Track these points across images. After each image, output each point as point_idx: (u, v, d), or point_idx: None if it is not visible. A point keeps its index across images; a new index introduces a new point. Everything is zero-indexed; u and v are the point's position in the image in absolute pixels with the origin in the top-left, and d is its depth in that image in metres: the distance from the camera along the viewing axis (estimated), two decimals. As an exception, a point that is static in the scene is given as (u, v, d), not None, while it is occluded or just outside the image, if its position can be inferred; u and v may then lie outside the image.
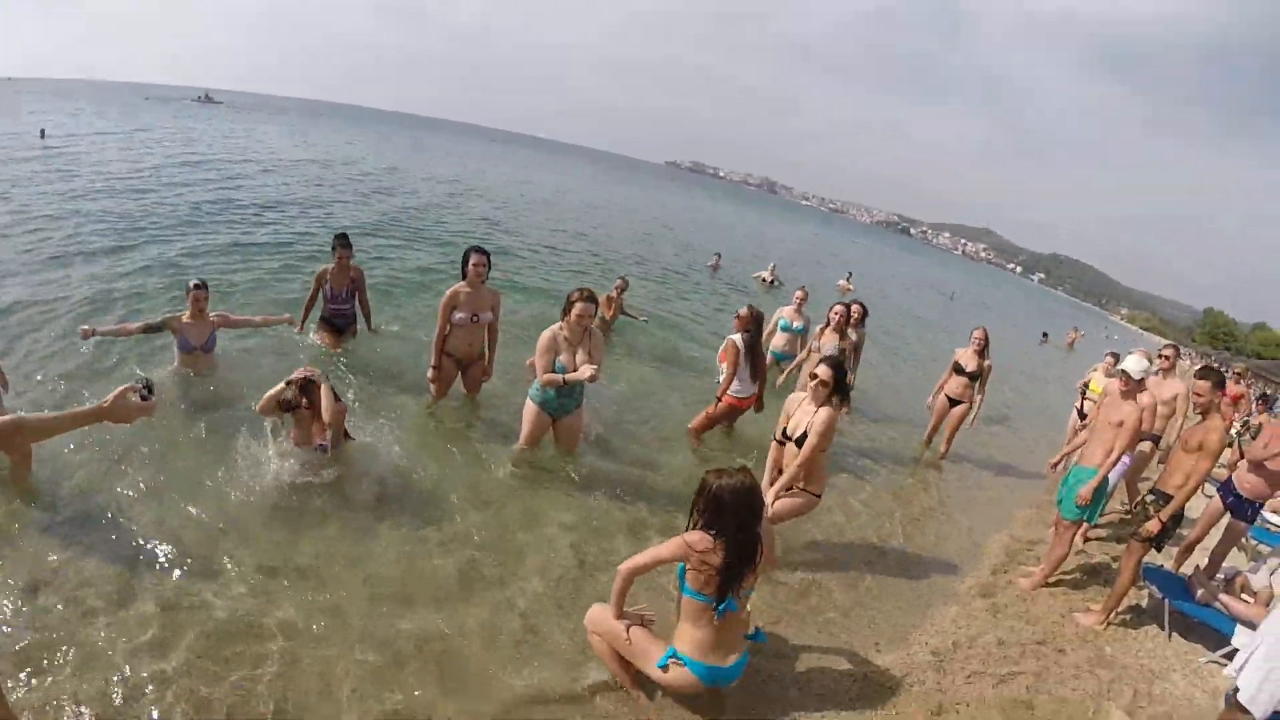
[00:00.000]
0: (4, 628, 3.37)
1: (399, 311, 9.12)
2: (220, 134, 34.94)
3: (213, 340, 6.21)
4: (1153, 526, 4.75)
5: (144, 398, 2.50)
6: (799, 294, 9.15)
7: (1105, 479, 5.11)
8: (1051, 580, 5.51)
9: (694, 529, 3.31)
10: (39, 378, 5.80)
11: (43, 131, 26.00)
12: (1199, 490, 4.79)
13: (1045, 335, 28.31)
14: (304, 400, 4.99)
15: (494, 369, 6.62)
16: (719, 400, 6.73)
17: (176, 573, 3.88)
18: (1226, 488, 5.91)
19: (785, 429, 4.92)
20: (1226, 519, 5.91)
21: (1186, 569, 5.82)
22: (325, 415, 4.97)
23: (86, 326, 5.68)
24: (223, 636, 3.49)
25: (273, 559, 4.15)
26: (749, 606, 3.55)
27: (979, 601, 5.14)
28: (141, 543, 4.08)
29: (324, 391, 4.97)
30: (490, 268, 6.22)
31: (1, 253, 9.11)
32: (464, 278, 6.15)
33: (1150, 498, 4.97)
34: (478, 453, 5.84)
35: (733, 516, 3.21)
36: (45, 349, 6.35)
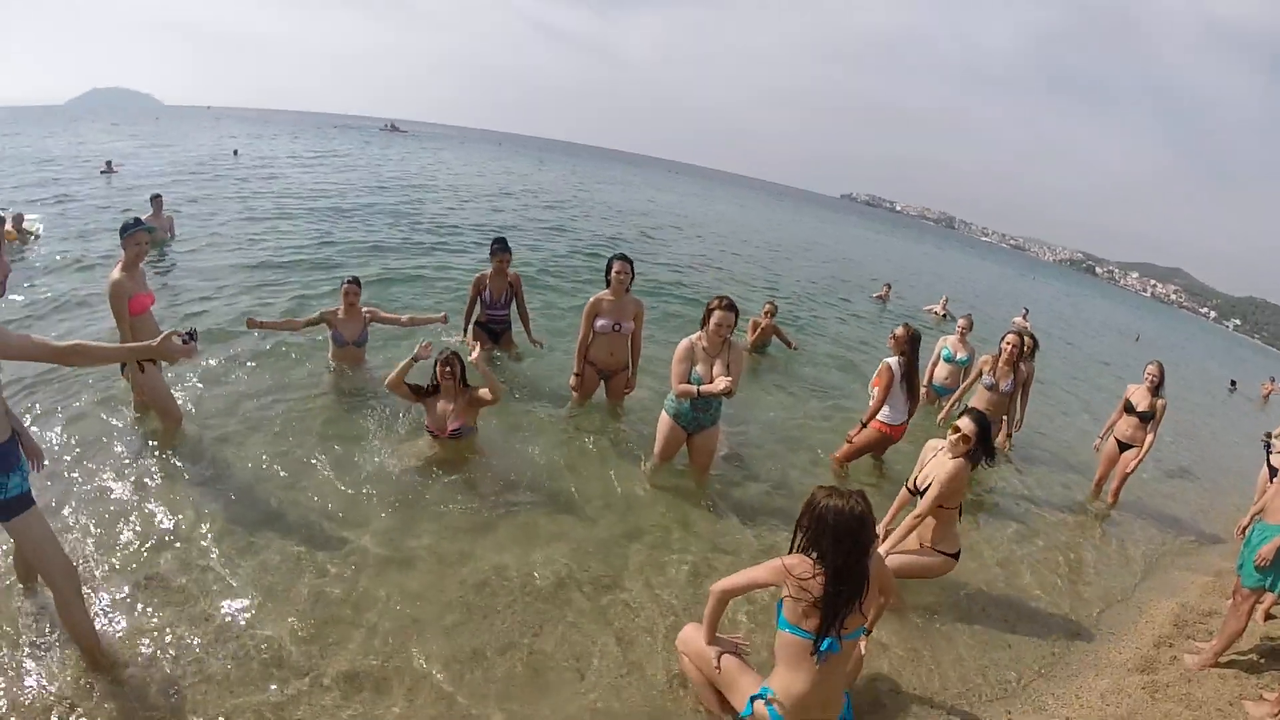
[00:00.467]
0: (131, 564, 3.81)
1: (556, 324, 9.25)
2: (407, 157, 38.22)
3: (364, 335, 6.52)
4: None
5: (185, 341, 2.91)
6: (962, 322, 8.57)
7: None
8: (1223, 660, 4.71)
9: (795, 551, 3.02)
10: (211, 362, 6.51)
11: (235, 151, 29.09)
12: None
13: (1234, 384, 25.27)
14: (447, 376, 5.19)
15: (640, 381, 6.64)
16: (864, 424, 6.31)
17: (292, 543, 4.19)
18: None
19: (916, 478, 4.53)
20: None
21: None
22: (491, 391, 5.20)
23: (252, 317, 6.06)
24: (323, 606, 3.71)
25: (385, 544, 4.30)
26: (859, 650, 3.28)
27: (1135, 677, 4.41)
28: (270, 509, 4.51)
29: (483, 369, 5.19)
30: (633, 276, 6.16)
31: (212, 259, 10.40)
32: (607, 285, 6.11)
33: None
34: (611, 462, 5.78)
35: (837, 542, 2.88)
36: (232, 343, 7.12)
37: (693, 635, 3.39)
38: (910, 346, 6.19)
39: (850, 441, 6.43)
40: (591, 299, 6.17)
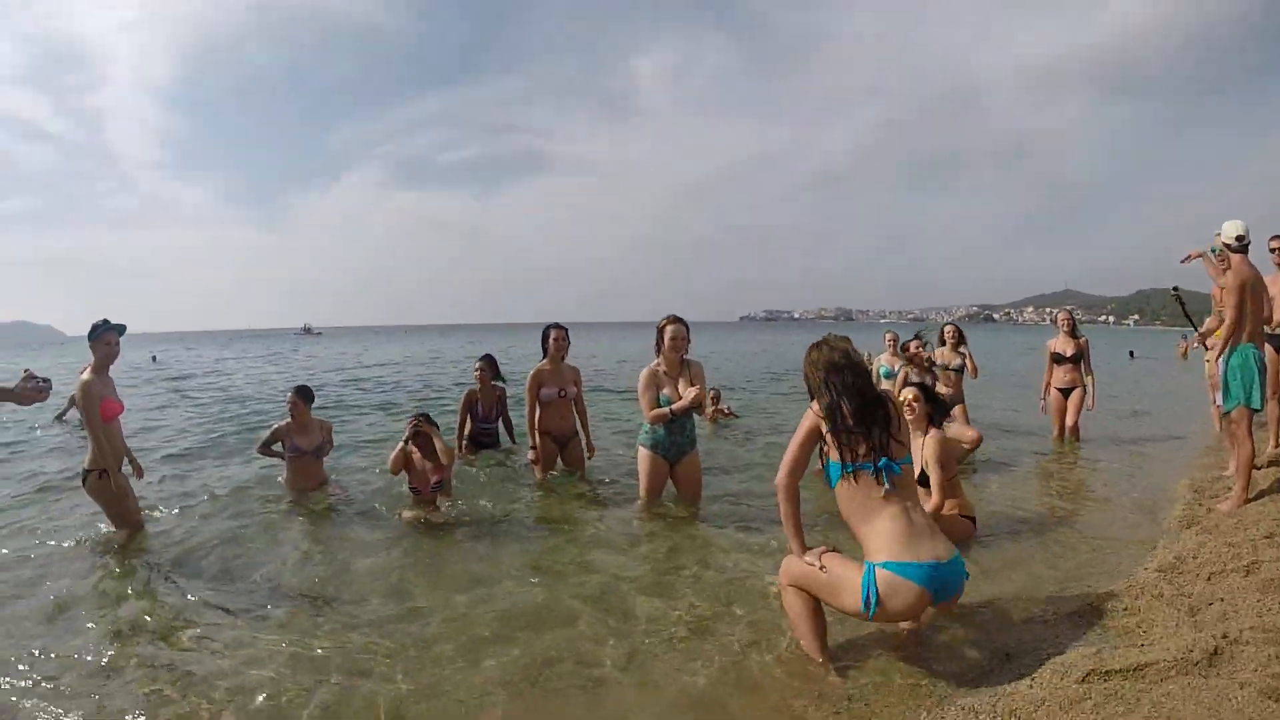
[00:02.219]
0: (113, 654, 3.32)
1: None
2: (323, 352, 38.12)
3: (322, 444, 6.27)
4: None
5: (39, 387, 3.28)
6: (889, 336, 8.54)
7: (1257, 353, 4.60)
8: (1251, 496, 4.70)
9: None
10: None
11: (154, 357, 28.69)
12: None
13: (1131, 353, 26.70)
14: (417, 447, 5.46)
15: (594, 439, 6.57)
16: None
17: (302, 601, 3.93)
18: None
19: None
20: None
21: None
22: (441, 456, 5.41)
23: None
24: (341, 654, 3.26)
25: (393, 592, 4.03)
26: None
27: (1186, 534, 4.34)
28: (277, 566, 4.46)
29: (435, 435, 5.46)
30: (570, 343, 6.21)
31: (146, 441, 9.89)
32: (544, 355, 6.16)
33: None
34: (596, 512, 5.43)
35: (838, 373, 2.92)
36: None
37: (790, 562, 3.07)
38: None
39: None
40: (532, 372, 6.16)
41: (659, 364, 5.18)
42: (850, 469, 2.82)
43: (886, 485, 2.80)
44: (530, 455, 6.22)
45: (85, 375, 4.74)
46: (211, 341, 74.59)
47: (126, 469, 5.09)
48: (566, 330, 6.22)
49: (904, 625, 3.12)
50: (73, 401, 10.73)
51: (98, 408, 4.72)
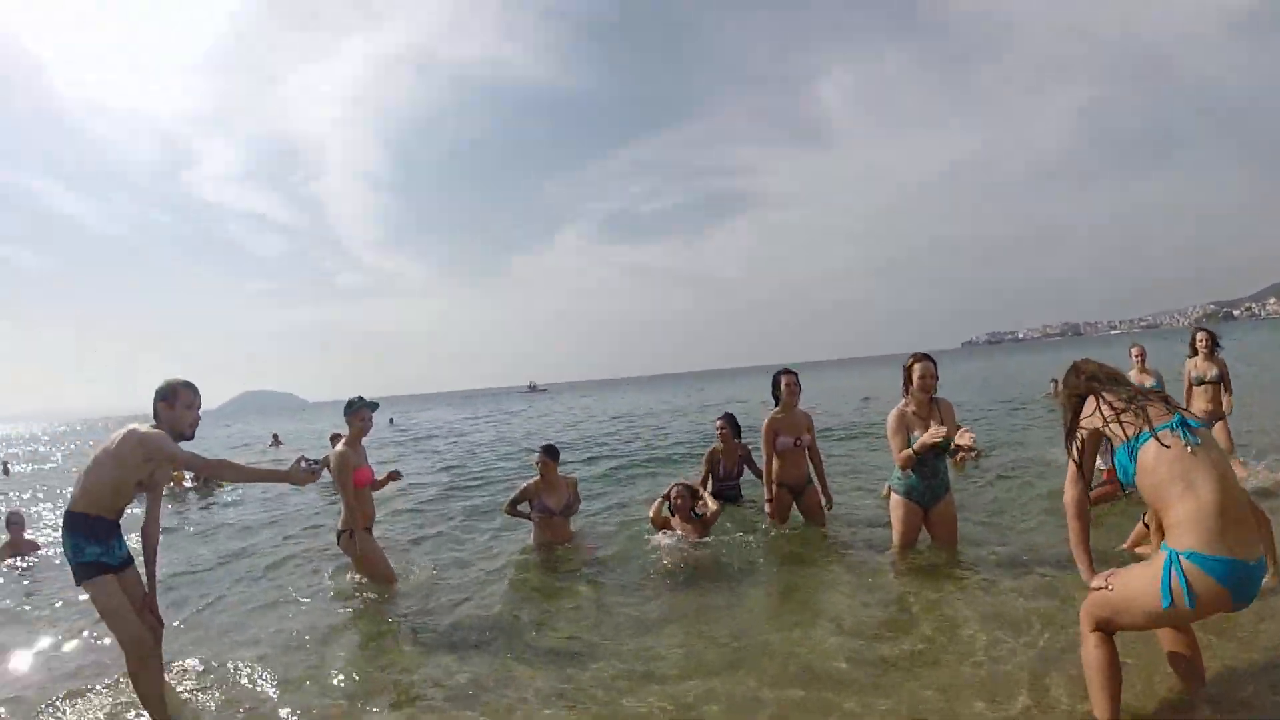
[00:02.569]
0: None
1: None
2: (555, 408, 40.12)
3: (570, 503, 6.27)
4: None
5: (311, 465, 3.56)
6: (1136, 350, 7.84)
7: None
8: None
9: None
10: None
11: (391, 420, 31.67)
12: None
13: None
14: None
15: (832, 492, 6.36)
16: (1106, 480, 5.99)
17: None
18: None
19: None
20: None
21: None
22: (709, 518, 6.01)
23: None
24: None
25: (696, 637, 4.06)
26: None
27: None
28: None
29: (701, 499, 6.14)
30: (801, 388, 6.05)
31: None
32: (777, 403, 6.02)
33: None
34: (844, 563, 5.20)
35: (1099, 380, 2.78)
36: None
37: (1087, 602, 2.71)
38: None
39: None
40: (766, 421, 6.00)
41: (907, 404, 4.96)
42: (1152, 433, 2.49)
43: (1194, 440, 2.45)
44: (767, 507, 6.08)
45: (340, 447, 5.24)
46: (443, 402, 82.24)
47: (377, 530, 5.69)
48: (797, 375, 6.08)
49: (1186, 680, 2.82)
50: (325, 464, 11.86)
51: (351, 476, 5.20)
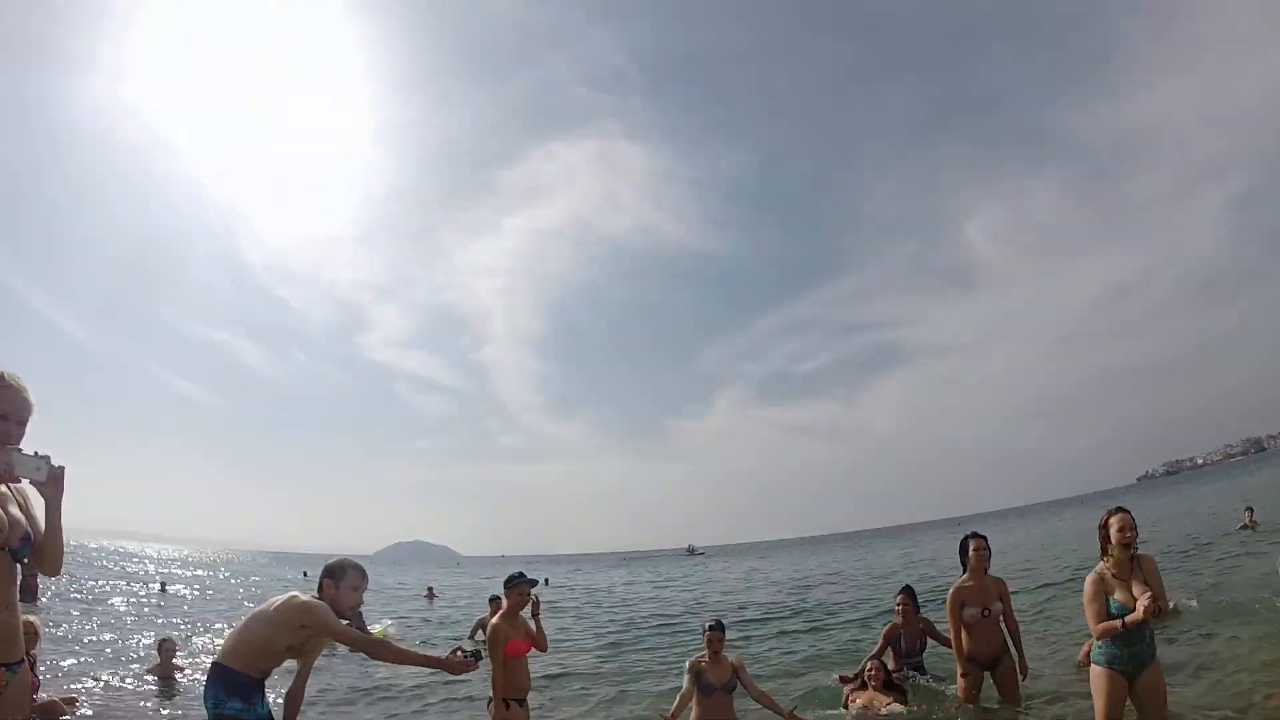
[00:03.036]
0: None
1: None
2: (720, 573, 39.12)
3: (733, 682, 5.87)
4: None
5: (465, 658, 3.47)
6: None
7: None
8: None
9: None
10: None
11: (545, 580, 30.97)
12: None
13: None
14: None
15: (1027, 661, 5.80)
16: None
17: None
18: None
19: None
20: None
21: None
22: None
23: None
24: None
25: None
26: None
27: None
28: None
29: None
30: (991, 552, 5.72)
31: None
32: (964, 569, 5.72)
33: None
34: None
35: None
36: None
37: None
38: None
39: None
40: (952, 590, 5.72)
41: (1106, 566, 4.51)
42: None
43: None
44: (960, 684, 5.73)
45: (496, 620, 5.42)
46: (597, 564, 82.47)
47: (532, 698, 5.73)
48: (986, 539, 5.76)
49: None
50: (479, 628, 12.00)
51: (503, 648, 5.32)
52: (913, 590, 7.03)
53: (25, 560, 2.70)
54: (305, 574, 41.40)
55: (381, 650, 3.54)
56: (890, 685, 6.37)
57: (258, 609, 3.53)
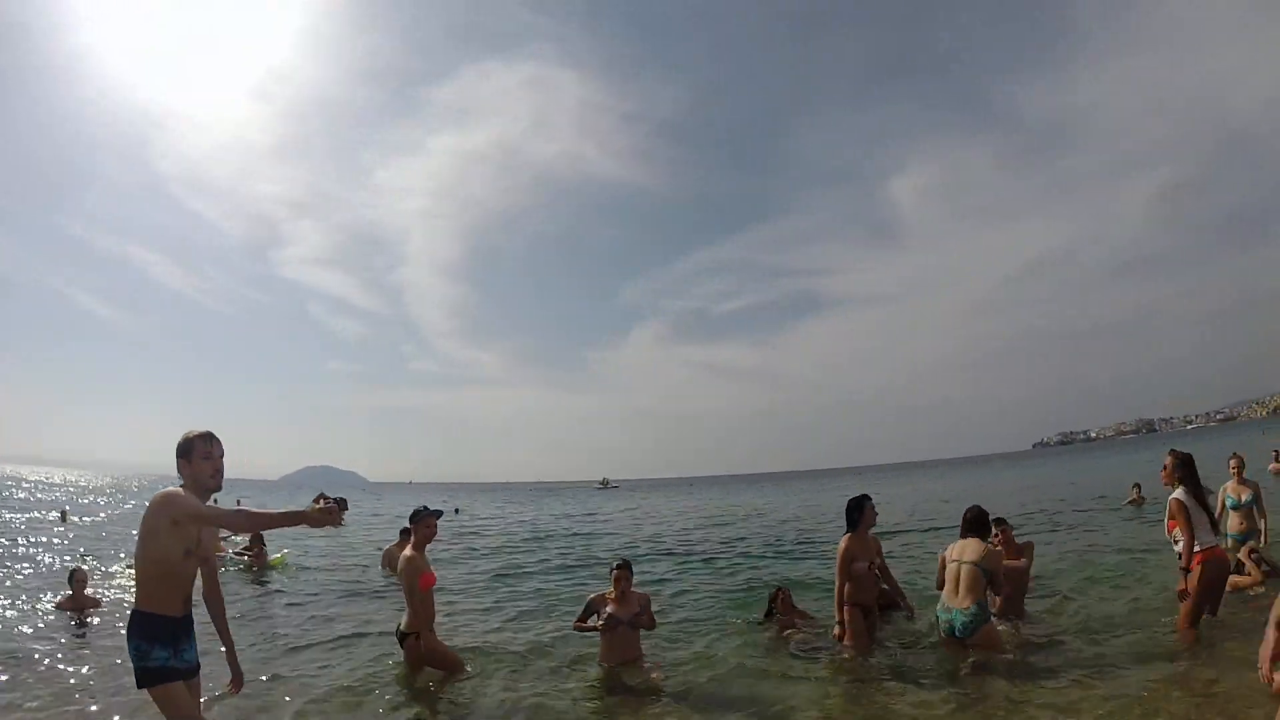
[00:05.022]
0: None
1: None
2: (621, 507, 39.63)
3: (641, 619, 5.93)
4: None
5: (330, 502, 3.08)
6: (1233, 461, 7.63)
7: None
8: None
9: None
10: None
11: (456, 510, 33.31)
12: None
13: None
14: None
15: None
16: (1187, 569, 5.29)
17: None
18: None
19: None
20: None
21: None
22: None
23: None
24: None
25: None
26: None
27: None
28: None
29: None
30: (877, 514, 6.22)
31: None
32: (851, 527, 6.08)
33: None
34: None
35: None
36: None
37: None
38: (1184, 471, 5.46)
39: (1183, 594, 5.39)
40: (844, 544, 6.03)
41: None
42: None
43: None
44: (836, 630, 6.15)
45: (408, 552, 5.46)
46: (511, 494, 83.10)
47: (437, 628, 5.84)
48: (872, 502, 6.20)
49: None
50: (386, 563, 11.89)
51: (418, 581, 5.41)
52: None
53: None
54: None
55: (240, 519, 3.37)
56: (795, 611, 7.16)
57: (139, 532, 3.21)
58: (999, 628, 5.77)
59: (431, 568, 5.64)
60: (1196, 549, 5.26)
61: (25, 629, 7.80)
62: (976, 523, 5.66)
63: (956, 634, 5.41)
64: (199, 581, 3.42)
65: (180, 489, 3.21)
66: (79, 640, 7.32)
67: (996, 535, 6.80)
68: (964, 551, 5.53)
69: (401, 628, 5.60)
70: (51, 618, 8.33)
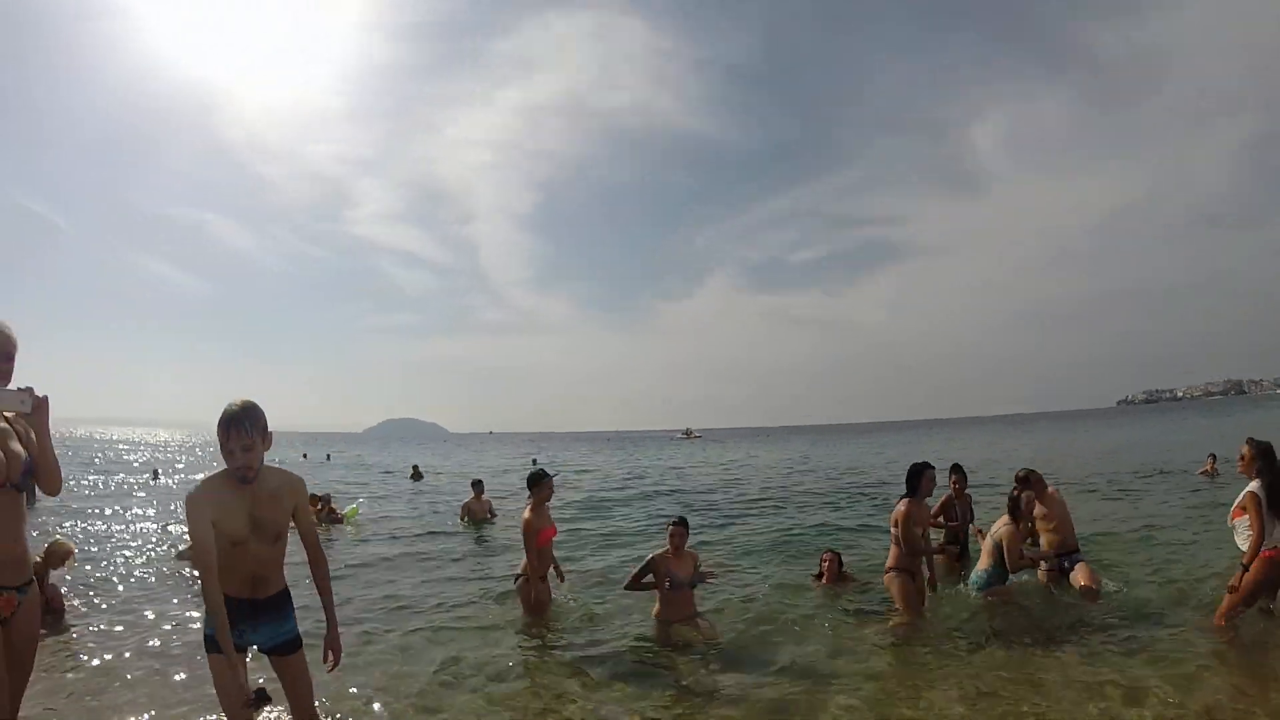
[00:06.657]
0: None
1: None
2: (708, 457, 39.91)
3: (697, 578, 6.17)
4: None
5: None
6: None
7: None
8: None
9: None
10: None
11: (534, 460, 34.39)
12: None
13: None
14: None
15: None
16: (1246, 566, 5.17)
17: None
18: None
19: None
20: None
21: None
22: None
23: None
24: None
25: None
26: None
27: None
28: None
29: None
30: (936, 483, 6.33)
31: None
32: (912, 494, 6.22)
33: None
34: None
35: None
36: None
37: None
38: (1264, 462, 5.23)
39: (1234, 590, 5.31)
40: (904, 507, 6.26)
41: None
42: None
43: None
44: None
45: (527, 513, 6.09)
46: (590, 443, 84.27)
47: (552, 577, 6.65)
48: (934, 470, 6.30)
49: None
50: (465, 514, 12.62)
51: (536, 538, 6.04)
52: (962, 469, 8.00)
53: (28, 489, 2.88)
54: (305, 455, 41.35)
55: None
56: (842, 576, 7.51)
57: None
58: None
59: (552, 522, 6.34)
60: (1263, 548, 5.12)
61: (149, 576, 8.57)
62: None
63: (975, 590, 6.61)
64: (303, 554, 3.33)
65: (212, 478, 3.08)
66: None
67: (953, 479, 7.58)
68: (995, 526, 6.59)
69: (519, 570, 6.40)
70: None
